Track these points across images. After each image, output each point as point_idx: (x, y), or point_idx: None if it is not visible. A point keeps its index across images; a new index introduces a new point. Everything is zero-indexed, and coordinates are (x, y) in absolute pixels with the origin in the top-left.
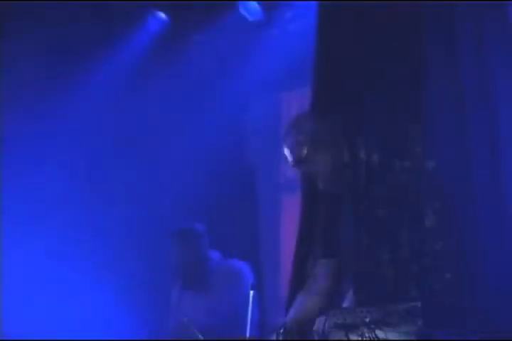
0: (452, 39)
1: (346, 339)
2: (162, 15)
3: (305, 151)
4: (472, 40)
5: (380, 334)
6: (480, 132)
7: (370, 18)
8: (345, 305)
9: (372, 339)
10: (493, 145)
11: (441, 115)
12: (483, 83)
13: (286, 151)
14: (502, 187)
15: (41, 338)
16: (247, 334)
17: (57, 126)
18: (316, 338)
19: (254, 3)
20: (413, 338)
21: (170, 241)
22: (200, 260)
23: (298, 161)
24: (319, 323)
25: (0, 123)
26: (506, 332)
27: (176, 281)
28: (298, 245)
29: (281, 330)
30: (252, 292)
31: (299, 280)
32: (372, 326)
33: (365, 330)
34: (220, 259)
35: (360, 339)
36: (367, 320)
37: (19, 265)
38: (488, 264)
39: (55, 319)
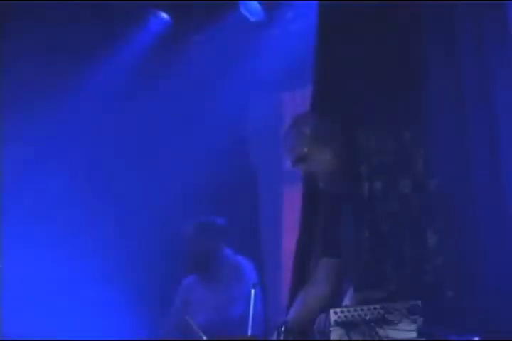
0: (452, 39)
1: (347, 337)
2: (163, 15)
3: (305, 150)
4: (472, 40)
5: (381, 332)
6: (480, 132)
7: (370, 18)
8: (345, 303)
9: (372, 337)
10: (493, 145)
11: (441, 115)
12: (483, 83)
13: (287, 150)
14: (502, 187)
15: (41, 338)
16: (249, 333)
17: (58, 126)
18: (317, 336)
19: (256, 3)
20: (413, 336)
21: (191, 230)
22: (214, 254)
23: (298, 160)
24: (319, 322)
25: (0, 123)
26: (506, 332)
27: (188, 274)
28: (299, 244)
29: (282, 328)
30: (253, 291)
31: (300, 280)
32: (373, 324)
33: (366, 328)
34: (231, 255)
35: (360, 337)
36: (367, 318)
37: (19, 265)
38: (488, 265)
39: (55, 319)
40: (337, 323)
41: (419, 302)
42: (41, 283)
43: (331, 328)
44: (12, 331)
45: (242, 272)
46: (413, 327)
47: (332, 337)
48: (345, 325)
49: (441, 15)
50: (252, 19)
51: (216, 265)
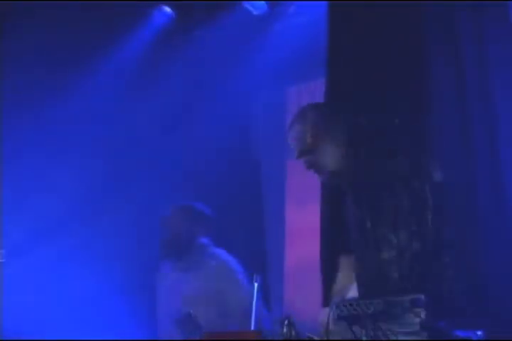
0: (452, 39)
1: (350, 331)
2: (167, 9)
3: (309, 143)
4: (472, 40)
5: (384, 326)
6: (480, 132)
7: (370, 18)
8: (349, 296)
9: (375, 331)
10: (493, 145)
11: (441, 114)
12: (483, 83)
13: (291, 142)
14: (502, 187)
15: (41, 338)
16: (252, 327)
17: (58, 125)
18: (320, 330)
19: None
20: (416, 330)
21: (168, 213)
22: (189, 239)
23: (302, 152)
24: (323, 315)
25: (0, 124)
26: (506, 332)
27: (164, 261)
28: (322, 239)
29: (286, 321)
30: (256, 284)
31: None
32: (376, 318)
33: (369, 322)
34: (209, 246)
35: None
36: (370, 311)
37: (19, 264)
38: (488, 265)
39: (55, 319)
40: (340, 317)
41: (422, 295)
42: (41, 283)
43: (334, 322)
44: (12, 331)
45: (224, 266)
46: (416, 320)
47: (335, 330)
48: (348, 318)
49: (442, 15)
50: (255, 13)
51: (191, 252)
